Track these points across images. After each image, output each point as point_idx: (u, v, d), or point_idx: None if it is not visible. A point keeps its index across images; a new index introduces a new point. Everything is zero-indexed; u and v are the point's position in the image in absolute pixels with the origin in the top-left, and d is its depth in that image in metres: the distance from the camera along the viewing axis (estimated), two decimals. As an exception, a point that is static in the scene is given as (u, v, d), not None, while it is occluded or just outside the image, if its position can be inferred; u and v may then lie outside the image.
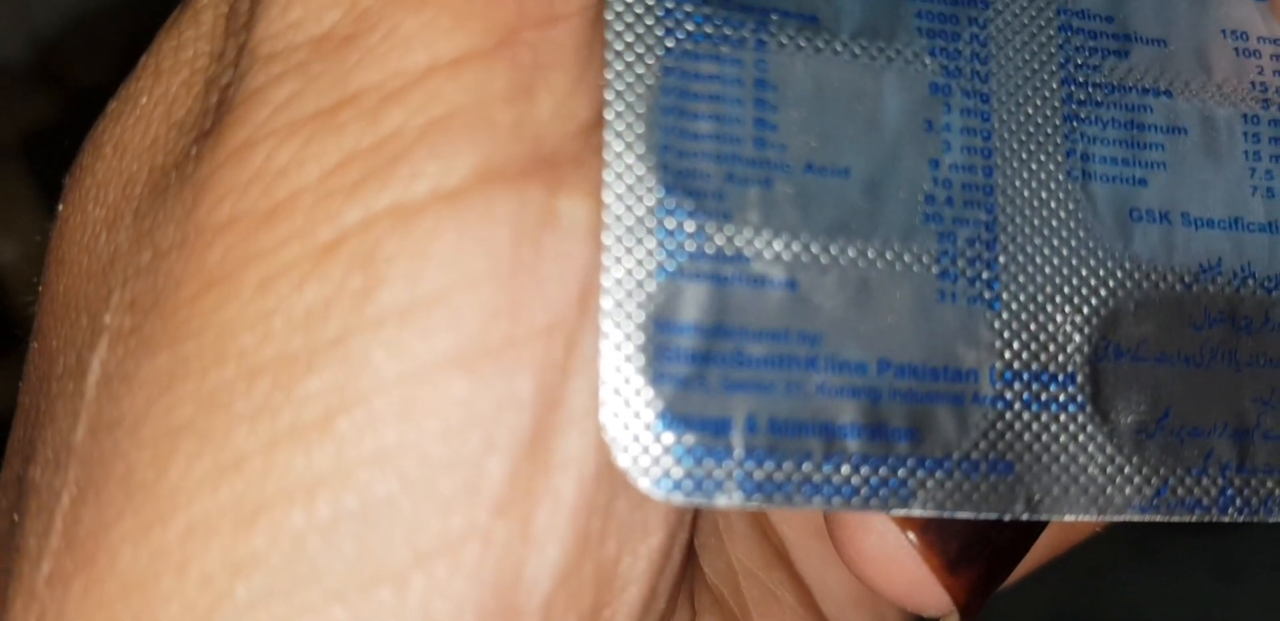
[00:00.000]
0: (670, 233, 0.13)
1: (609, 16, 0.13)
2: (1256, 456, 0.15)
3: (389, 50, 0.13)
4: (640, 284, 0.13)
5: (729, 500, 0.13)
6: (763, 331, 0.13)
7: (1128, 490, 0.14)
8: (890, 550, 0.15)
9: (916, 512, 0.13)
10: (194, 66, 0.14)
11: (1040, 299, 0.14)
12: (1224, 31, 0.16)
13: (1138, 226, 0.15)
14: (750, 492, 0.13)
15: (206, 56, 0.14)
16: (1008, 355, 0.14)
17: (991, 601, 0.17)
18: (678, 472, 0.13)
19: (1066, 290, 0.15)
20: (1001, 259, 0.14)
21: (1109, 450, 0.14)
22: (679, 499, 0.13)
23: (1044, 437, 0.14)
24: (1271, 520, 0.15)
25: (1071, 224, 0.15)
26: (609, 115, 0.13)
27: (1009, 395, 0.14)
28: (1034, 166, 0.15)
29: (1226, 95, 0.16)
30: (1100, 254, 0.15)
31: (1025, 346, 0.14)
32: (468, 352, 0.12)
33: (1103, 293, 0.15)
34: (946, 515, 0.14)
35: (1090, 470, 0.14)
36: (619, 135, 0.13)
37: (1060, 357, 0.14)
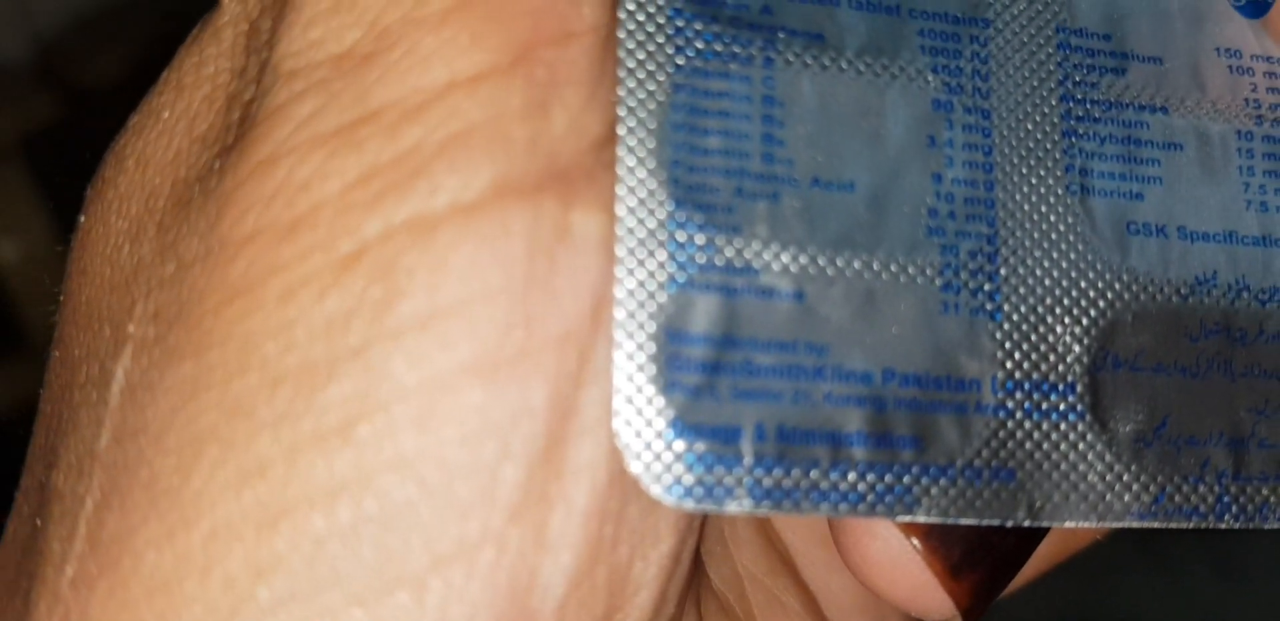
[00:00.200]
0: (681, 245, 0.13)
1: (621, 34, 0.14)
2: (1252, 465, 0.15)
3: (408, 68, 0.13)
4: (652, 295, 0.13)
5: (739, 506, 0.13)
6: (771, 342, 0.14)
7: (1126, 497, 0.15)
8: (894, 555, 0.15)
9: (921, 519, 0.14)
10: (215, 82, 0.15)
11: (1040, 310, 0.15)
12: (1218, 50, 0.16)
13: (1135, 240, 0.15)
14: (759, 499, 0.13)
15: (228, 73, 0.15)
16: (1009, 365, 0.14)
17: (994, 604, 0.17)
18: (689, 479, 0.13)
19: (1066, 302, 0.15)
20: (1003, 271, 0.15)
21: (1108, 458, 0.15)
22: (690, 505, 0.13)
23: (1045, 446, 0.14)
24: (1267, 526, 0.15)
25: (1070, 237, 0.15)
26: (621, 131, 0.13)
27: (1010, 404, 0.14)
28: (1034, 181, 0.15)
29: (1221, 112, 0.16)
30: (1099, 266, 0.15)
31: (1026, 357, 0.15)
32: (484, 362, 0.13)
33: (1101, 304, 0.15)
34: (950, 521, 0.14)
35: (1090, 478, 0.15)
36: (631, 150, 0.13)
37: (1060, 368, 0.15)
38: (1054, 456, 0.14)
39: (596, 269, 0.13)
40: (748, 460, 0.13)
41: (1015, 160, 0.15)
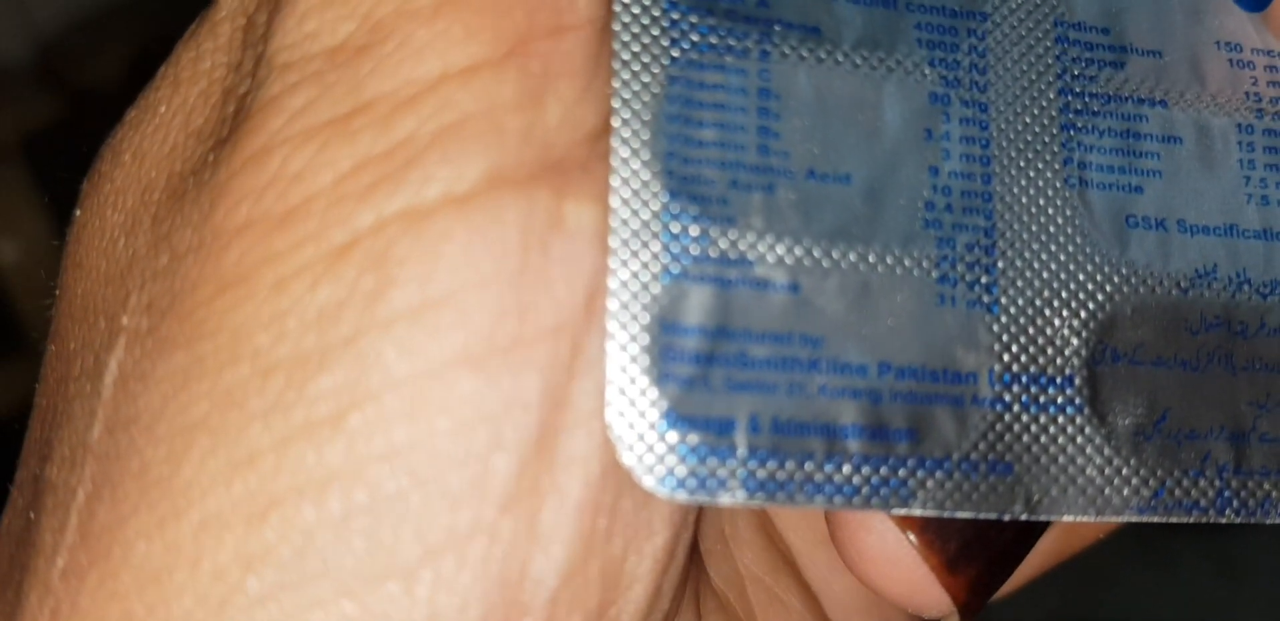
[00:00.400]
0: (675, 236, 0.13)
1: (616, 27, 0.14)
2: (1253, 459, 0.15)
3: (402, 60, 0.13)
4: (645, 286, 0.13)
5: (732, 498, 0.13)
6: (765, 333, 0.13)
7: (1125, 491, 0.15)
8: (890, 550, 0.15)
9: (917, 512, 0.14)
10: (212, 77, 0.15)
11: (1038, 303, 0.15)
12: (1218, 43, 0.16)
13: (1134, 233, 0.15)
14: (753, 491, 0.13)
15: (224, 67, 0.15)
16: (1006, 358, 0.14)
17: (994, 600, 0.17)
18: (682, 471, 0.13)
19: (1064, 295, 0.15)
20: (1000, 264, 0.15)
21: (1107, 452, 0.15)
22: (683, 497, 0.13)
23: (1042, 439, 0.14)
24: (1268, 521, 0.15)
25: (1069, 230, 0.15)
26: (616, 122, 0.13)
27: (1008, 397, 0.14)
28: (1031, 174, 0.15)
29: (1221, 105, 0.16)
30: (1097, 259, 0.15)
31: (1024, 349, 0.14)
32: (477, 352, 0.13)
33: (1100, 297, 0.15)
34: (946, 515, 0.14)
35: (1088, 471, 0.14)
36: (625, 142, 0.13)
37: (1058, 361, 0.15)
38: (1052, 449, 0.14)
39: (590, 259, 0.13)
40: (741, 452, 0.13)
41: (1013, 153, 0.15)
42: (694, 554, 0.18)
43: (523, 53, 0.13)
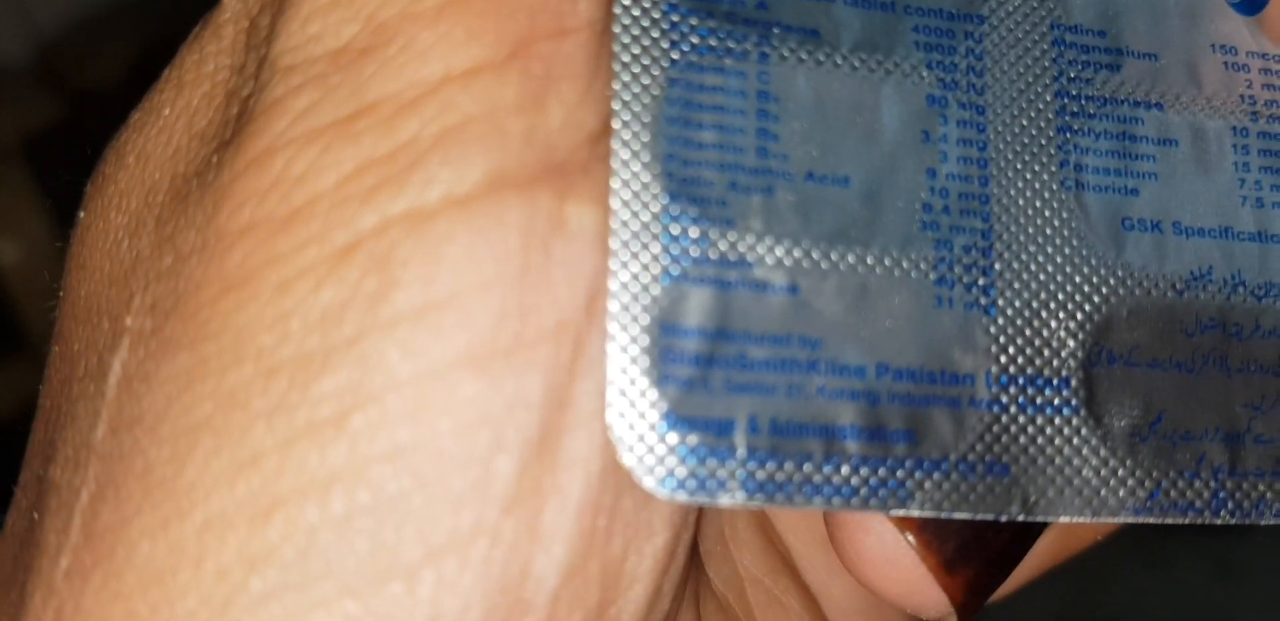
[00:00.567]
0: (675, 238, 0.13)
1: (616, 29, 0.14)
2: (1248, 460, 0.15)
3: (405, 62, 0.13)
4: (646, 288, 0.13)
5: (731, 499, 0.13)
6: (765, 335, 0.14)
7: (1121, 492, 0.15)
8: (889, 550, 0.15)
9: (914, 513, 0.14)
10: (215, 79, 0.15)
11: (1035, 305, 0.15)
12: (1213, 46, 0.16)
13: (1130, 235, 0.15)
14: (752, 492, 0.13)
15: (227, 70, 0.15)
16: (1003, 360, 0.14)
17: (990, 602, 0.17)
18: (682, 472, 0.13)
19: (1060, 297, 0.15)
20: (997, 266, 0.15)
21: (1103, 453, 0.15)
22: (683, 497, 0.13)
23: (1039, 440, 0.14)
24: (1263, 522, 0.15)
25: (1065, 232, 0.15)
26: (616, 124, 0.13)
27: (1005, 399, 0.14)
28: (1028, 176, 0.15)
29: (1216, 108, 0.16)
30: (1093, 261, 0.15)
31: (1020, 351, 0.15)
32: (479, 353, 0.13)
33: (1096, 299, 0.15)
34: (944, 515, 0.14)
35: (1085, 473, 0.15)
36: (626, 144, 0.13)
37: (1055, 362, 0.15)
38: (1048, 451, 0.14)
39: (591, 261, 0.13)
40: (741, 453, 0.13)
41: (1010, 156, 0.15)
42: (694, 555, 0.18)
43: (525, 55, 0.13)
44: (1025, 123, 0.15)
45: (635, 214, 0.13)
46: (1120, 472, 0.15)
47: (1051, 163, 0.15)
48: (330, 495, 0.13)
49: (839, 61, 0.15)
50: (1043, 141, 0.15)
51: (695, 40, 0.14)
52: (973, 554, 0.15)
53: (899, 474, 0.14)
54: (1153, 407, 0.15)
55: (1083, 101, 0.16)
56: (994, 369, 0.14)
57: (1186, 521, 0.15)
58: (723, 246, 0.14)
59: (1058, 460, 0.14)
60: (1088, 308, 0.15)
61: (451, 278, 0.13)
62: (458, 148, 0.13)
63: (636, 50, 0.14)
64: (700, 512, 0.17)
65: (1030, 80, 0.15)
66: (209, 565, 0.12)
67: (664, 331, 0.13)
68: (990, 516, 0.14)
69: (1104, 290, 0.15)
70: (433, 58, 0.13)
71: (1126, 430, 0.15)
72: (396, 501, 0.13)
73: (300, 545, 0.12)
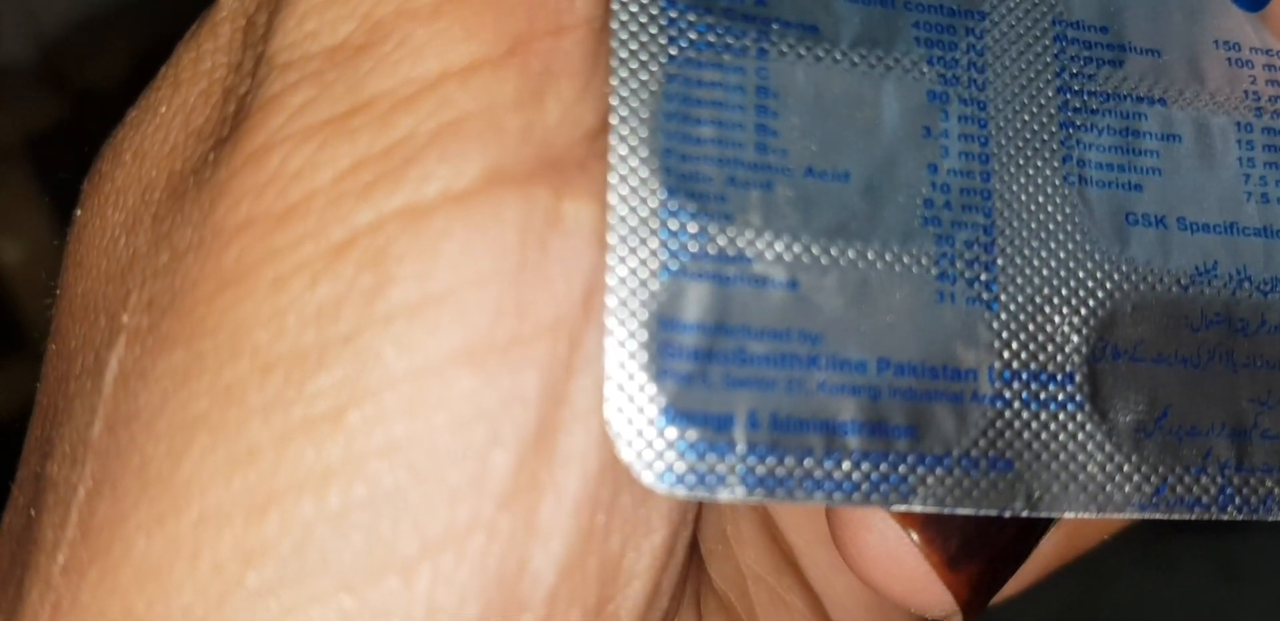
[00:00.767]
0: (673, 233, 0.13)
1: (614, 25, 0.14)
2: (1255, 456, 0.15)
3: (401, 59, 0.13)
4: (644, 283, 0.13)
5: (731, 494, 0.13)
6: (764, 330, 0.13)
7: (1127, 488, 0.14)
8: (892, 547, 0.15)
9: (917, 508, 0.14)
10: (212, 77, 0.15)
11: (1038, 300, 0.15)
12: (1216, 42, 0.16)
13: (1134, 230, 0.15)
14: (752, 487, 0.13)
15: (224, 68, 0.15)
16: (1006, 355, 0.14)
17: (994, 603, 0.17)
18: (681, 467, 0.13)
19: (1064, 292, 0.15)
20: (999, 261, 0.15)
21: (1108, 448, 0.15)
22: (682, 492, 0.13)
23: (1043, 436, 0.14)
24: (1270, 518, 0.15)
25: (1068, 227, 0.15)
26: (614, 120, 0.13)
27: (1008, 394, 0.14)
28: (1031, 172, 0.15)
29: (1220, 104, 0.16)
30: (1097, 257, 0.15)
31: (1024, 346, 0.14)
32: (475, 349, 0.13)
33: (1100, 294, 0.15)
34: (947, 511, 0.14)
35: (1090, 468, 0.14)
36: (624, 139, 0.13)
37: (1059, 357, 0.15)
38: (1052, 446, 0.14)
39: (588, 257, 0.13)
40: (740, 448, 0.13)
41: (1012, 151, 0.15)
42: (695, 554, 0.18)
43: (522, 52, 0.13)
44: (1027, 118, 0.15)
45: (633, 209, 0.13)
46: (1126, 468, 0.15)
47: (1054, 158, 0.15)
48: (326, 490, 0.12)
49: (838, 57, 0.14)
50: (1045, 137, 0.15)
51: (693, 36, 0.14)
52: (976, 550, 0.15)
53: (901, 469, 0.14)
54: (1158, 403, 0.15)
55: (1085, 97, 0.15)
56: (997, 364, 0.14)
57: (1193, 517, 0.15)
58: (721, 241, 0.13)
59: (1062, 455, 0.14)
60: (1091, 303, 0.15)
61: (448, 274, 0.13)
62: (455, 144, 0.13)
63: (634, 46, 0.14)
64: (699, 511, 0.17)
65: (1032, 76, 0.15)
66: (205, 560, 0.12)
67: (662, 326, 0.13)
68: (994, 512, 0.14)
69: (1108, 285, 0.15)
70: (429, 54, 0.13)
71: (1132, 425, 0.15)
72: (393, 496, 0.12)
73: (296, 540, 0.12)
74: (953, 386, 0.14)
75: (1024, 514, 0.14)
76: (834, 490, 0.13)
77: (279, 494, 0.12)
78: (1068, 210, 0.15)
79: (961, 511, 0.14)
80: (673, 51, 0.14)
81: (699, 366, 0.13)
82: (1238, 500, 0.15)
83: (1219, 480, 0.15)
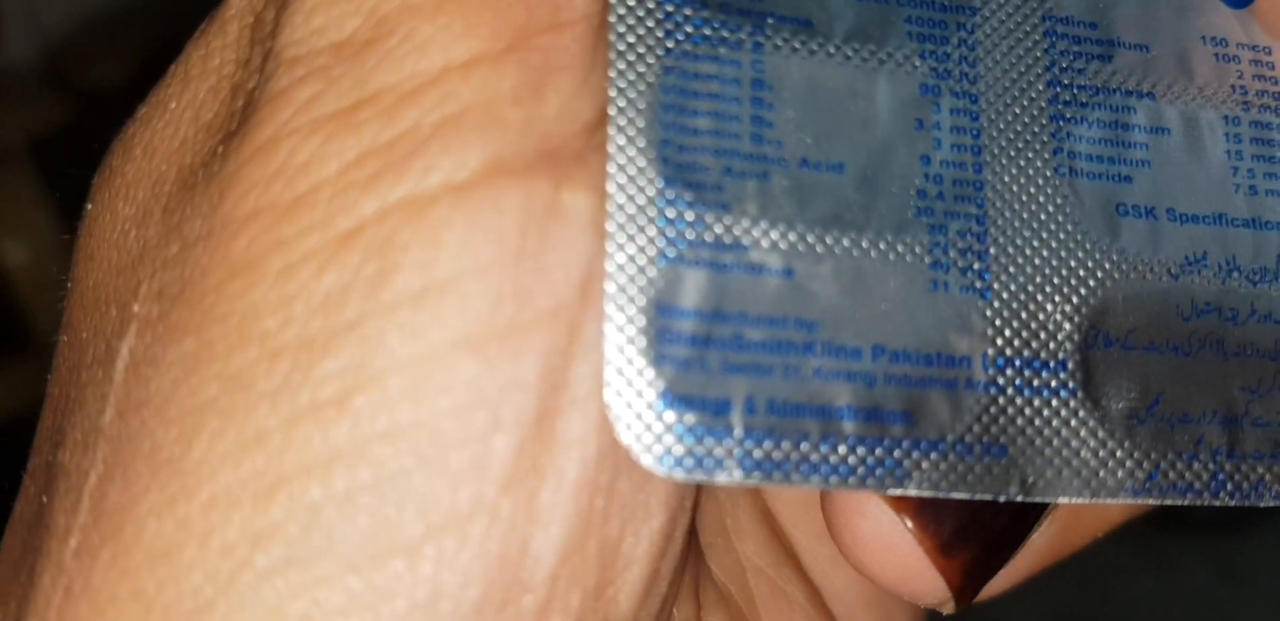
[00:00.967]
0: (671, 221, 0.14)
1: (612, 19, 0.14)
2: (1246, 443, 0.15)
3: (405, 54, 0.14)
4: (642, 270, 0.13)
5: (729, 477, 0.13)
6: (761, 317, 0.14)
7: (1120, 473, 0.15)
8: (885, 533, 0.15)
9: (912, 492, 0.14)
10: (221, 73, 0.15)
11: (1031, 289, 0.15)
12: (1204, 38, 0.17)
13: (1124, 221, 0.16)
14: (749, 470, 0.13)
15: (233, 64, 0.15)
16: (1000, 342, 0.15)
17: (995, 603, 0.17)
18: (679, 450, 0.13)
19: (1056, 281, 0.15)
20: (992, 250, 0.15)
21: (1100, 435, 0.15)
22: (680, 475, 0.13)
23: (1036, 422, 0.15)
24: (1261, 504, 0.15)
25: (1060, 218, 0.15)
26: (612, 111, 0.14)
27: (1001, 381, 0.15)
28: (1022, 163, 0.15)
29: (1208, 98, 0.16)
30: (1088, 246, 0.15)
31: (1017, 334, 0.15)
32: (476, 335, 0.13)
33: (1091, 283, 0.15)
34: (941, 495, 0.14)
35: (1083, 454, 0.15)
36: (622, 129, 0.14)
37: (1051, 345, 0.15)
38: (1045, 432, 0.15)
39: (586, 245, 0.13)
40: (738, 432, 0.13)
41: (1003, 143, 0.15)
42: (694, 546, 0.18)
43: (522, 47, 0.14)
44: (1018, 111, 0.15)
45: (631, 197, 0.14)
46: (1119, 454, 0.15)
47: (1045, 150, 0.15)
48: (333, 473, 0.13)
49: (832, 51, 0.15)
50: (1035, 129, 0.15)
51: (690, 30, 0.14)
52: (970, 536, 0.15)
53: (896, 454, 0.14)
54: (1150, 390, 0.15)
55: (1075, 91, 0.16)
56: (990, 351, 0.15)
57: (1186, 503, 0.15)
58: (718, 229, 0.14)
59: (1055, 441, 0.15)
60: (1083, 291, 0.15)
61: (450, 262, 0.13)
62: (457, 136, 0.13)
63: (632, 39, 0.14)
64: (698, 501, 0.17)
65: (1023, 70, 0.16)
66: (215, 542, 0.13)
67: (660, 312, 0.13)
68: (988, 496, 0.14)
69: (1099, 274, 0.15)
70: (433, 49, 0.14)
71: (1124, 412, 0.15)
72: (397, 479, 0.13)
73: (303, 522, 0.13)
74: (947, 373, 0.14)
75: (1018, 499, 0.14)
76: (830, 474, 0.14)
77: (287, 477, 0.13)
78: (1059, 201, 0.15)
79: (956, 496, 0.14)
80: (669, 44, 0.14)
81: (697, 352, 0.13)
82: (1229, 486, 0.15)
83: (1210, 466, 0.15)
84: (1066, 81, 0.16)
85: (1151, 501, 0.15)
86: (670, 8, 0.14)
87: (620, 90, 0.14)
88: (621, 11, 0.14)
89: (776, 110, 0.14)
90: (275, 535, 0.13)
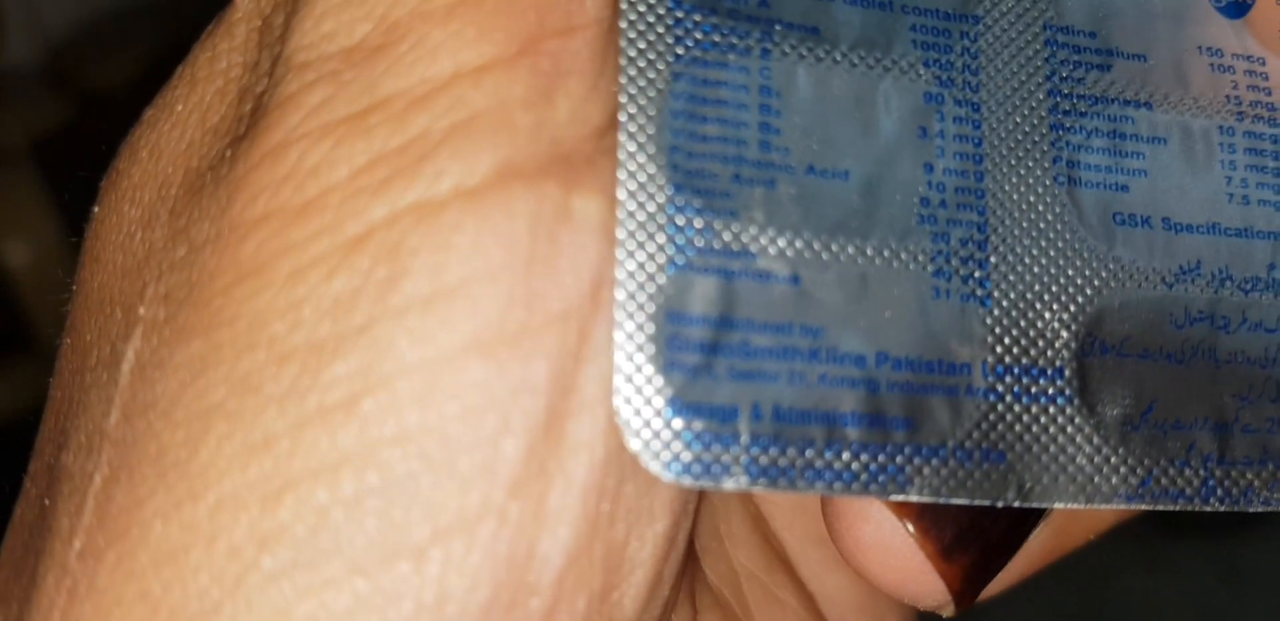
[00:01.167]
0: (680, 228, 0.14)
1: (623, 25, 0.14)
2: (1236, 449, 0.16)
3: (416, 59, 0.14)
4: (651, 277, 0.14)
5: (735, 483, 0.13)
6: (768, 324, 0.14)
7: (1114, 479, 0.15)
8: (887, 538, 0.15)
9: (913, 497, 0.14)
10: (228, 76, 0.15)
11: (1029, 297, 0.15)
12: (1200, 48, 0.17)
13: (1121, 230, 0.16)
14: (756, 477, 0.14)
15: (240, 67, 0.15)
16: (999, 350, 0.15)
17: (995, 604, 0.17)
18: (687, 456, 0.13)
19: (1054, 289, 0.15)
20: (993, 259, 0.15)
21: (1096, 441, 0.15)
22: (688, 481, 0.13)
23: (1034, 428, 0.15)
24: (1250, 509, 0.16)
25: (1058, 226, 0.15)
26: (622, 117, 0.14)
27: (1000, 388, 0.15)
28: (1022, 172, 0.15)
29: (1203, 108, 0.17)
30: (1086, 255, 0.16)
31: (1016, 342, 0.15)
32: (486, 339, 0.13)
33: (1088, 291, 0.15)
34: (942, 500, 0.14)
35: (1079, 460, 0.15)
36: (632, 136, 0.14)
37: (1049, 353, 0.15)
38: (1043, 439, 0.15)
39: (596, 250, 0.14)
40: (744, 439, 0.14)
41: (1004, 151, 0.15)
42: (690, 551, 0.18)
43: (533, 52, 0.14)
44: (1019, 120, 0.16)
45: (641, 204, 0.14)
46: (1113, 460, 0.15)
47: (1045, 159, 0.16)
48: (340, 476, 0.13)
49: (838, 58, 0.15)
50: (1036, 138, 0.16)
51: (699, 36, 0.14)
52: (970, 541, 0.15)
53: (898, 460, 0.14)
54: (1144, 397, 0.15)
55: (1074, 100, 0.16)
56: (990, 359, 0.15)
57: (1177, 508, 0.15)
58: (726, 237, 0.14)
59: (1052, 448, 0.15)
60: (1080, 299, 0.15)
61: (460, 266, 0.13)
62: (467, 141, 0.13)
63: (642, 45, 0.14)
64: (698, 506, 0.17)
65: (1024, 79, 0.16)
66: (221, 544, 0.13)
67: (669, 319, 0.13)
68: (987, 502, 0.14)
69: (1096, 283, 0.15)
70: (443, 55, 0.14)
71: (1119, 419, 0.15)
72: (405, 482, 0.13)
73: (311, 524, 0.13)
74: (948, 380, 0.14)
75: (1016, 504, 0.15)
76: (834, 480, 0.14)
77: (294, 480, 0.13)
78: (1058, 209, 0.16)
79: (956, 501, 0.14)
80: (679, 51, 0.14)
81: (705, 359, 0.14)
82: (1219, 492, 0.15)
83: (1202, 472, 0.15)
84: (1066, 90, 0.16)
85: (1144, 507, 0.15)
86: (680, 14, 0.14)
87: (630, 96, 0.14)
88: (632, 17, 0.14)
89: (784, 117, 0.14)
90: (282, 537, 0.13)
